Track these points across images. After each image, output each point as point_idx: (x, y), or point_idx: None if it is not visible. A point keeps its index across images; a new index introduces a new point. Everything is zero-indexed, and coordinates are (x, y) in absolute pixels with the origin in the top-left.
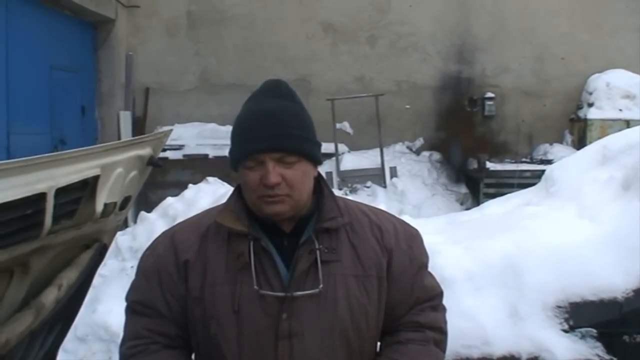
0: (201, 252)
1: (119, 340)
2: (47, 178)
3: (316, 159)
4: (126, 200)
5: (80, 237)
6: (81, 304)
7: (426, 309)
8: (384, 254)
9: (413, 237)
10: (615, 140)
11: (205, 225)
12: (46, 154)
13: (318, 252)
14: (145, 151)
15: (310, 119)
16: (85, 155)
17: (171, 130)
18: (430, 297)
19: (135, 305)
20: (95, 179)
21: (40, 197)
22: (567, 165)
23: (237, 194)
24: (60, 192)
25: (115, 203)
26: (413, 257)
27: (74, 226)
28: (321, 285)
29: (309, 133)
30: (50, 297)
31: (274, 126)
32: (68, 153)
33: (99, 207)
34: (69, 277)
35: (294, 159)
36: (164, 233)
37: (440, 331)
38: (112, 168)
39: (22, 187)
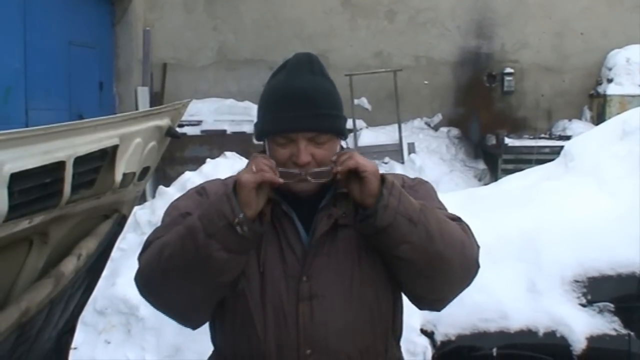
0: None
1: (139, 314)
2: (66, 147)
3: (345, 134)
4: (145, 171)
5: (100, 207)
6: (100, 273)
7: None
8: None
9: (423, 183)
10: (635, 115)
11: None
12: (65, 123)
13: (337, 216)
14: (164, 122)
15: (339, 95)
16: (104, 124)
17: (190, 101)
18: (454, 219)
19: (184, 217)
20: (114, 148)
21: (60, 165)
22: (586, 140)
23: None
24: (80, 161)
25: (134, 173)
26: (427, 197)
27: (93, 196)
28: (340, 249)
29: (340, 110)
30: (70, 266)
31: (310, 106)
32: (87, 122)
33: (118, 177)
34: (88, 247)
35: (326, 138)
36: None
37: (468, 230)
38: (131, 138)
39: (41, 155)
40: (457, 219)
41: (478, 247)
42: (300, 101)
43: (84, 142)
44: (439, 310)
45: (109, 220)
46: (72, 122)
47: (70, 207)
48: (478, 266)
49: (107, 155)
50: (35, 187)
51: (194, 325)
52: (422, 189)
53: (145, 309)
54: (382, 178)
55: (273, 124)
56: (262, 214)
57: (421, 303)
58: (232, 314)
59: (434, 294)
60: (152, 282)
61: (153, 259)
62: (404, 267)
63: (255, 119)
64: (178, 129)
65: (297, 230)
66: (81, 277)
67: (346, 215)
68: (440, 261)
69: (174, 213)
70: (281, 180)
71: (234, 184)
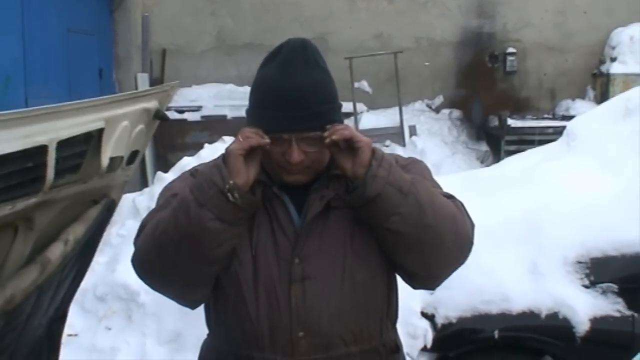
0: None
1: (139, 299)
2: (48, 130)
3: (341, 122)
4: (133, 155)
5: (87, 192)
6: (91, 259)
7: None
8: None
9: (417, 162)
10: (638, 93)
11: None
12: (47, 106)
13: (329, 198)
14: (152, 104)
15: (333, 83)
16: (88, 107)
17: (177, 82)
18: (448, 196)
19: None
20: (100, 132)
21: (42, 149)
22: (588, 119)
23: None
24: (63, 145)
25: (121, 157)
26: (421, 176)
27: (80, 180)
28: (332, 230)
29: (334, 101)
30: (56, 252)
31: (302, 105)
32: (70, 105)
33: (105, 161)
34: (75, 232)
35: (319, 134)
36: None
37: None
38: (117, 121)
39: (21, 139)
40: (450, 197)
41: (472, 224)
42: (293, 101)
43: (67, 126)
44: (432, 289)
45: (98, 206)
46: (54, 105)
47: (54, 192)
48: (471, 243)
49: (93, 139)
50: (16, 172)
51: (192, 304)
52: (415, 168)
53: (146, 295)
54: (373, 150)
55: (264, 123)
56: (255, 185)
57: (414, 281)
58: (225, 296)
59: (426, 270)
60: (149, 260)
61: (148, 237)
62: (395, 240)
63: None
64: (179, 115)
65: (288, 213)
66: (70, 263)
67: (339, 197)
68: (432, 234)
69: (167, 194)
70: (268, 140)
71: (223, 154)
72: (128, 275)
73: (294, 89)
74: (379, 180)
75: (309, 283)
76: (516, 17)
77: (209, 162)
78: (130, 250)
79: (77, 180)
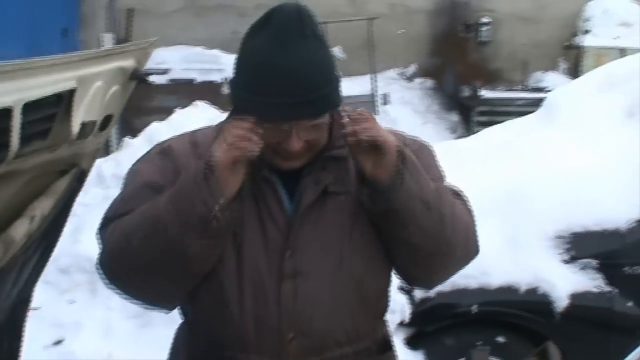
0: None
1: None
2: (14, 90)
3: (340, 103)
4: (107, 120)
5: (55, 162)
6: (59, 236)
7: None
8: None
9: (425, 147)
10: (620, 66)
11: (203, 144)
12: (13, 61)
13: (326, 183)
14: (128, 63)
15: (332, 56)
16: (59, 64)
17: (156, 39)
18: (456, 193)
19: (148, 186)
20: (71, 92)
21: (6, 112)
22: (569, 91)
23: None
24: (30, 107)
25: (94, 122)
26: (429, 165)
27: (48, 148)
28: (329, 220)
29: (335, 80)
30: (21, 230)
31: (303, 90)
32: (38, 61)
33: (76, 126)
34: (42, 207)
35: (321, 119)
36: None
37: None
38: (90, 81)
39: None
40: (457, 194)
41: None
42: (292, 85)
43: (35, 85)
44: (429, 289)
45: (67, 176)
46: (20, 60)
47: (19, 162)
48: (478, 251)
49: (63, 101)
50: None
51: (169, 309)
52: (423, 155)
53: None
54: (399, 153)
55: (259, 108)
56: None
57: (412, 282)
58: (204, 291)
59: (429, 276)
60: (118, 271)
61: (116, 246)
62: (407, 250)
63: (223, 67)
64: (145, 77)
65: (279, 199)
66: (36, 242)
67: (337, 182)
68: (445, 247)
69: (137, 180)
70: (257, 150)
71: (206, 164)
72: (92, 246)
73: (293, 71)
74: (407, 192)
75: (301, 279)
76: None
77: (183, 137)
78: (94, 220)
79: (44, 148)
